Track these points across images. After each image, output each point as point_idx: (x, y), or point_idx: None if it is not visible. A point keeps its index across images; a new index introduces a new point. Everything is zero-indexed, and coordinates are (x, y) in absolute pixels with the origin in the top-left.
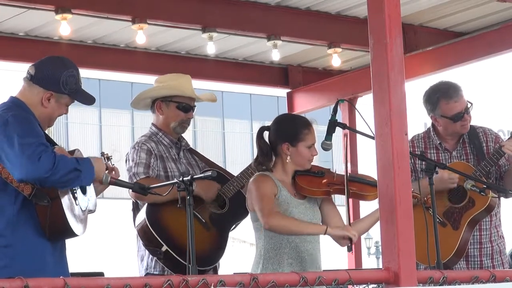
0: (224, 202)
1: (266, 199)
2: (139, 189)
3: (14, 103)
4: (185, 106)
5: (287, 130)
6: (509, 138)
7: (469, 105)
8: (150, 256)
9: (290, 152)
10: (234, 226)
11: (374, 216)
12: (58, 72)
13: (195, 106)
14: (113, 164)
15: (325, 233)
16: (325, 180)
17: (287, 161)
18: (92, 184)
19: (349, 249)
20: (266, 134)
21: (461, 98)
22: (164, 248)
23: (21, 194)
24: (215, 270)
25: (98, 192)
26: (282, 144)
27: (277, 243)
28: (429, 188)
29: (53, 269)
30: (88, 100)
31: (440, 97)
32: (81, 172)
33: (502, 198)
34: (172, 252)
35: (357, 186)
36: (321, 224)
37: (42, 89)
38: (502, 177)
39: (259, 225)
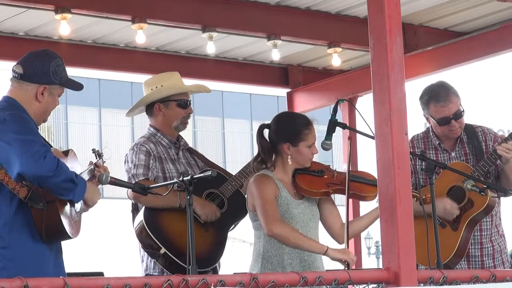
0: (223, 202)
1: (269, 204)
2: (139, 189)
3: (9, 102)
4: (184, 102)
5: (288, 130)
6: (505, 139)
7: (461, 109)
8: (149, 257)
9: (291, 151)
10: (233, 226)
11: (373, 215)
12: (46, 65)
13: (190, 100)
14: (105, 161)
15: (324, 253)
16: (325, 180)
17: (288, 160)
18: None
19: (347, 267)
20: (266, 131)
21: (450, 103)
22: (163, 250)
23: (17, 196)
24: (215, 270)
25: None
26: (283, 144)
27: (277, 242)
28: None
29: (50, 270)
30: (77, 86)
31: (430, 99)
32: (76, 186)
33: (502, 197)
34: (170, 255)
35: (357, 187)
36: (319, 220)
37: (34, 84)
38: (499, 177)
39: (258, 224)
